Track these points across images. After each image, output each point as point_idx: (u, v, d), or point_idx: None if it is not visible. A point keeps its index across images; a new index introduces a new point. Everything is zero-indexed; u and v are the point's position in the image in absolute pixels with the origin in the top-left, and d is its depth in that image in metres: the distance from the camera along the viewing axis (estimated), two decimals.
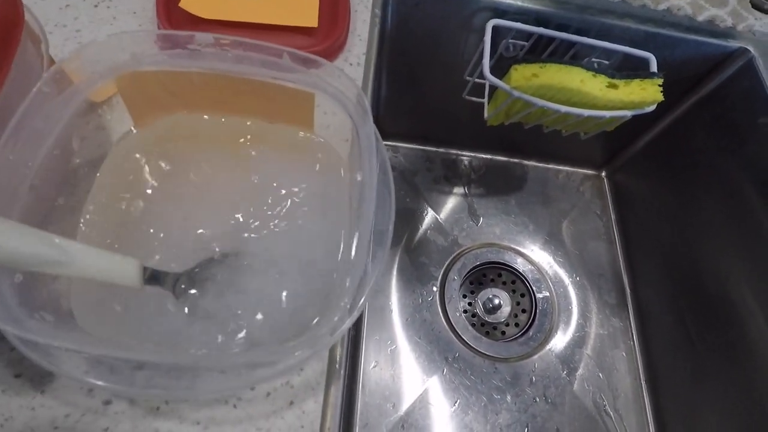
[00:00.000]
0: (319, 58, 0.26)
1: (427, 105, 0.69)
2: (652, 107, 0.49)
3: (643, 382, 0.64)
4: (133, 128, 0.31)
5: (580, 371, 0.64)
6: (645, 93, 0.48)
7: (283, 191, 0.30)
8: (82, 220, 0.27)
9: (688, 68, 0.58)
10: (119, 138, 0.31)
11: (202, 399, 0.27)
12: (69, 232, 0.27)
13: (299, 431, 0.27)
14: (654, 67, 0.51)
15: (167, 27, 0.39)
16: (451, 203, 0.73)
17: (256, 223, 0.29)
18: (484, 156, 0.78)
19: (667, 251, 0.66)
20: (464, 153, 0.77)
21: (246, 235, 0.29)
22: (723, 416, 0.54)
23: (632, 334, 0.68)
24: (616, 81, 0.48)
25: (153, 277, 0.26)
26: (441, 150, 0.77)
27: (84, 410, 0.27)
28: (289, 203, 0.29)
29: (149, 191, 0.29)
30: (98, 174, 0.28)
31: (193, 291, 0.28)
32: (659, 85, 0.48)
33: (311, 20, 0.40)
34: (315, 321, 0.25)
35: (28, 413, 0.27)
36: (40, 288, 0.23)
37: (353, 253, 0.21)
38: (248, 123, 0.30)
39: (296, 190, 0.30)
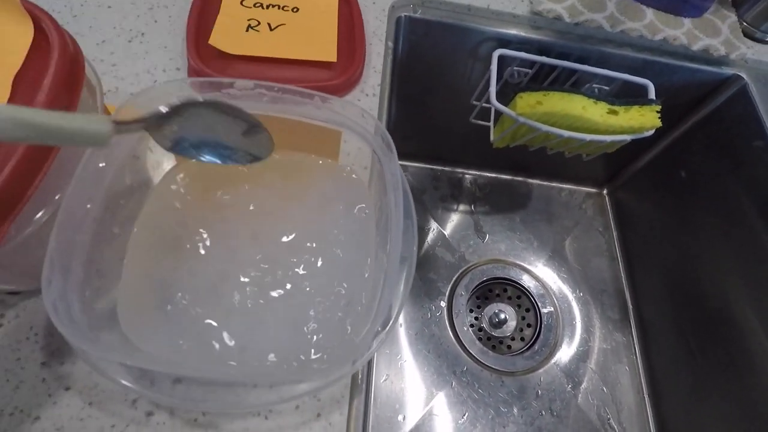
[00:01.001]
0: (344, 100, 0.29)
1: (435, 127, 0.72)
2: (651, 132, 0.51)
3: (646, 396, 0.66)
4: (170, 166, 0.34)
5: (584, 385, 0.65)
6: (644, 119, 0.51)
7: (314, 220, 0.32)
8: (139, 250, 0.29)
9: (684, 93, 0.61)
10: (162, 176, 0.33)
11: (241, 412, 0.29)
12: (122, 254, 0.29)
13: None
14: (652, 94, 0.54)
15: (197, 61, 0.42)
16: (457, 220, 0.75)
17: (286, 252, 0.31)
18: (489, 174, 0.80)
19: (668, 267, 0.68)
20: (470, 172, 0.80)
21: (276, 262, 0.31)
22: (725, 429, 0.56)
23: (635, 348, 0.69)
24: (616, 107, 0.51)
25: (122, 129, 0.23)
26: (448, 169, 0.80)
27: (128, 421, 0.29)
28: (318, 232, 0.32)
29: (189, 221, 0.32)
30: (142, 208, 0.31)
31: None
32: (657, 111, 0.51)
33: (331, 55, 0.43)
34: (339, 345, 0.27)
35: (78, 423, 0.29)
36: (101, 310, 0.26)
37: (382, 281, 0.24)
38: (283, 157, 0.32)
39: (325, 218, 0.32)
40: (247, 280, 0.30)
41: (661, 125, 0.50)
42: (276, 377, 0.25)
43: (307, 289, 0.30)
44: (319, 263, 0.31)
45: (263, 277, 0.30)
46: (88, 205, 0.25)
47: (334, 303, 0.29)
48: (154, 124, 0.24)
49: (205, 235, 0.32)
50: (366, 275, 0.29)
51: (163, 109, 0.24)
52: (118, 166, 0.26)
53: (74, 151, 0.25)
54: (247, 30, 0.44)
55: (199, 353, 0.28)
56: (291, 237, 0.32)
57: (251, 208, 0.33)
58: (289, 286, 0.30)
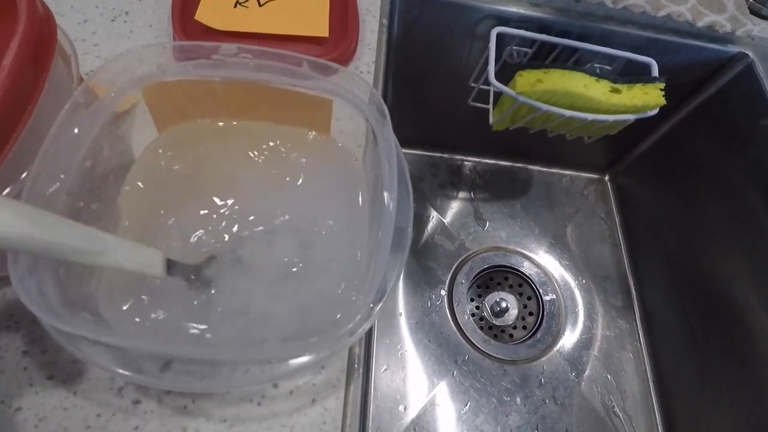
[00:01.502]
0: (337, 65, 0.27)
1: (432, 111, 0.71)
2: (655, 111, 0.50)
3: (651, 383, 0.65)
4: (155, 136, 0.32)
5: (588, 373, 0.64)
6: (647, 97, 0.49)
7: (303, 193, 0.31)
8: (120, 224, 0.28)
9: (689, 73, 0.60)
10: (146, 145, 0.32)
11: (227, 391, 0.27)
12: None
13: (321, 428, 0.28)
14: (656, 73, 0.52)
15: (183, 38, 0.40)
16: (457, 208, 0.74)
17: (276, 225, 0.30)
18: (488, 161, 0.79)
19: (672, 253, 0.67)
20: (469, 158, 0.78)
21: (265, 236, 0.30)
22: (730, 415, 0.55)
23: (639, 335, 0.68)
24: (618, 86, 0.49)
25: (173, 267, 0.27)
26: (446, 156, 0.78)
27: (114, 410, 0.28)
28: (308, 205, 0.30)
29: (175, 193, 0.30)
30: (128, 178, 0.29)
31: (209, 288, 0.29)
32: (661, 89, 0.49)
33: (322, 30, 0.42)
34: (336, 318, 0.26)
35: (61, 413, 0.28)
36: (75, 291, 0.24)
37: (374, 253, 0.22)
38: (269, 128, 0.31)
39: (315, 192, 0.31)
40: (235, 255, 0.29)
41: (665, 103, 0.49)
42: (269, 353, 0.23)
43: (300, 263, 0.29)
44: (312, 237, 0.29)
45: (252, 252, 0.29)
46: (62, 176, 0.23)
47: (329, 276, 0.28)
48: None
49: (191, 211, 0.30)
50: (361, 248, 0.28)
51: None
52: (94, 138, 0.25)
53: (44, 125, 0.23)
54: (235, 6, 0.42)
55: (183, 335, 0.27)
56: (281, 211, 0.30)
57: (239, 182, 0.31)
58: (280, 260, 0.29)
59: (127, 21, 0.44)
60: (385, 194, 0.23)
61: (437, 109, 0.70)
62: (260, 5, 0.42)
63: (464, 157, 0.78)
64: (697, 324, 0.61)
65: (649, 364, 0.66)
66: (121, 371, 0.22)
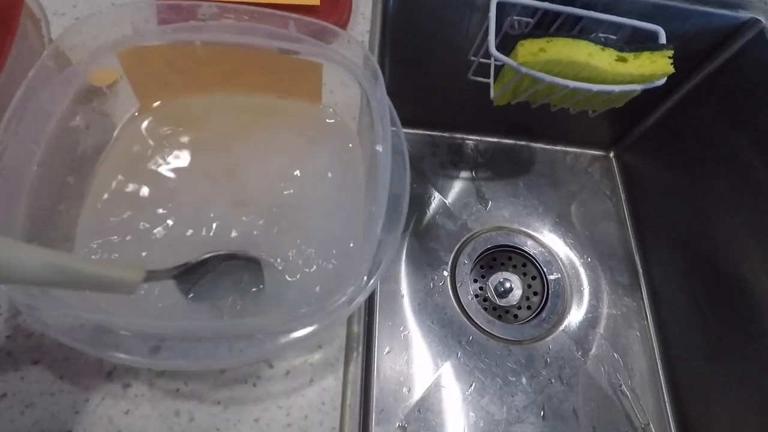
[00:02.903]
0: (327, 24, 0.26)
1: (431, 88, 0.69)
2: (663, 80, 0.48)
3: (659, 361, 0.64)
4: (137, 113, 0.31)
5: (594, 352, 0.63)
6: (655, 66, 0.47)
7: (296, 165, 0.29)
8: (98, 204, 0.26)
9: (697, 41, 0.57)
10: (127, 120, 0.30)
11: (219, 370, 0.26)
12: (75, 211, 0.27)
13: (320, 408, 0.27)
14: (663, 40, 0.50)
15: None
16: (458, 188, 0.72)
17: (271, 201, 0.29)
18: (490, 139, 0.77)
19: (679, 230, 0.65)
20: (470, 137, 0.76)
21: (261, 211, 0.28)
22: (739, 393, 0.54)
23: (646, 313, 0.67)
24: (625, 54, 0.47)
25: (152, 276, 0.25)
26: (446, 134, 0.76)
27: (104, 394, 0.27)
28: (302, 177, 0.29)
29: (158, 174, 0.29)
30: (105, 156, 0.28)
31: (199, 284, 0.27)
32: (669, 57, 0.47)
33: None
34: (331, 290, 0.24)
35: (49, 399, 0.27)
36: None
37: (371, 220, 0.21)
38: (257, 100, 0.29)
39: (309, 163, 0.29)
40: (227, 229, 0.28)
41: (674, 71, 0.47)
42: (265, 326, 0.22)
43: (294, 237, 0.27)
44: (305, 210, 0.28)
45: (244, 226, 0.27)
46: (32, 146, 0.22)
47: (324, 249, 0.27)
48: (182, 274, 0.26)
49: (178, 184, 0.29)
50: (356, 219, 0.26)
51: (192, 261, 0.26)
52: (67, 106, 0.23)
53: (13, 93, 0.22)
54: None
55: (174, 312, 0.26)
56: (272, 184, 0.29)
57: (228, 156, 0.30)
58: (273, 232, 0.27)
59: None
60: (380, 162, 0.21)
61: (436, 86, 0.68)
62: None
63: (465, 136, 0.76)
64: (704, 302, 0.60)
65: (657, 342, 0.65)
66: (110, 353, 0.21)
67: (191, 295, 0.27)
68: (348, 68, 0.26)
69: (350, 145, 0.30)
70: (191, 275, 0.27)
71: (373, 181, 0.22)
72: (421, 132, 0.75)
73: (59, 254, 0.19)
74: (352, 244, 0.26)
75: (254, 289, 0.28)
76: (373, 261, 0.21)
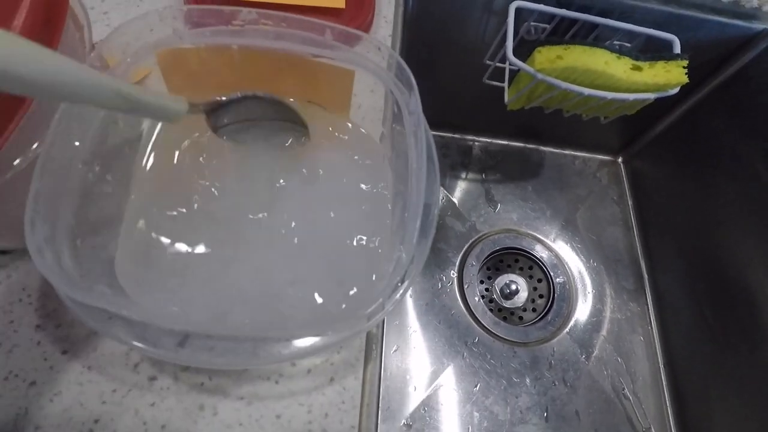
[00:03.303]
0: (361, 33, 0.26)
1: (444, 90, 0.69)
2: (676, 90, 0.49)
3: (662, 366, 0.65)
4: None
5: (598, 355, 0.64)
6: (670, 75, 0.48)
7: (325, 174, 0.30)
8: (133, 196, 0.27)
9: (711, 50, 0.58)
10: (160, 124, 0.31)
11: (244, 369, 0.27)
12: (117, 208, 0.27)
13: (340, 407, 0.28)
14: (677, 50, 0.50)
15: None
16: (468, 189, 0.73)
17: (299, 206, 0.29)
18: (500, 142, 0.77)
19: (686, 237, 0.66)
20: (480, 139, 0.77)
21: (284, 223, 0.29)
22: (741, 400, 0.54)
23: (650, 318, 0.68)
24: (640, 63, 0.48)
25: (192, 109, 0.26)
26: (457, 136, 0.77)
27: (130, 386, 0.27)
28: (331, 185, 0.29)
29: (194, 173, 0.30)
30: (139, 158, 0.29)
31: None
32: (684, 67, 0.48)
33: (338, 1, 0.40)
34: (359, 301, 0.25)
35: (77, 388, 0.27)
36: (92, 262, 0.24)
37: (400, 233, 0.21)
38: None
39: (337, 172, 0.30)
40: (255, 233, 0.28)
41: (687, 81, 0.47)
42: (288, 332, 0.23)
43: (322, 244, 0.28)
44: (332, 217, 0.28)
45: (272, 231, 0.28)
46: (77, 143, 0.22)
47: (352, 258, 0.27)
48: (214, 110, 0.28)
49: (211, 188, 0.29)
50: (385, 228, 0.27)
51: (223, 97, 0.27)
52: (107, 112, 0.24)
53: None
54: None
55: (204, 310, 0.26)
56: (301, 191, 0.29)
57: (258, 163, 0.30)
58: (299, 239, 0.28)
59: None
60: (413, 171, 0.22)
61: (450, 89, 0.69)
62: None
63: (476, 138, 0.77)
64: (709, 308, 0.61)
65: (660, 347, 0.66)
66: (137, 344, 0.22)
67: (224, 136, 0.29)
68: (380, 77, 0.26)
69: (374, 150, 0.31)
70: (223, 113, 0.28)
71: (404, 188, 0.23)
72: (432, 133, 0.75)
73: (126, 84, 0.21)
74: (380, 250, 0.27)
75: (286, 144, 0.29)
76: (406, 271, 0.21)
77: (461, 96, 0.69)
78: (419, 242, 0.22)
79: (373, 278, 0.25)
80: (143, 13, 0.25)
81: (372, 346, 0.30)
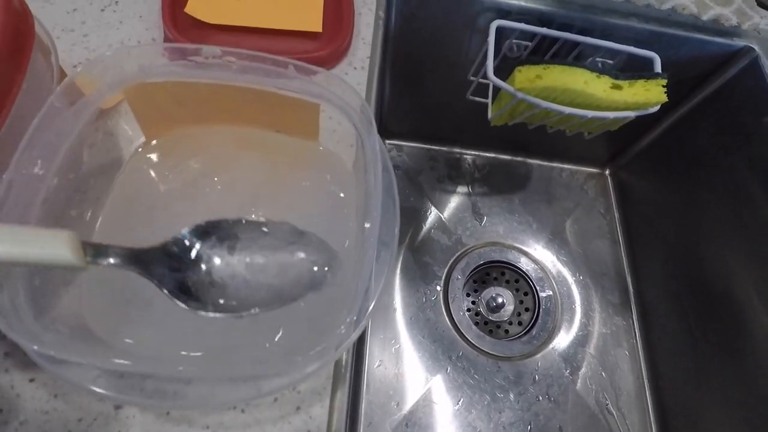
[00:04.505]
0: (322, 69, 0.26)
1: (430, 104, 0.69)
2: (656, 108, 0.49)
3: (646, 381, 0.65)
4: (141, 143, 0.32)
5: (582, 370, 0.64)
6: (649, 94, 0.48)
7: (289, 200, 0.30)
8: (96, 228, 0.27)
9: (692, 67, 0.58)
10: (131, 154, 0.31)
11: (210, 410, 0.27)
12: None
13: None
14: (658, 67, 0.51)
15: (173, 31, 0.39)
16: (454, 202, 0.73)
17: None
18: (487, 155, 0.78)
19: (672, 250, 0.66)
20: (468, 152, 0.77)
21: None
22: (726, 415, 0.55)
23: (635, 333, 0.68)
24: (620, 82, 0.48)
25: (101, 253, 0.22)
26: (444, 149, 0.77)
27: (96, 414, 0.28)
28: (294, 213, 0.30)
29: (162, 202, 0.30)
30: (113, 187, 0.29)
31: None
32: (663, 86, 0.48)
33: (315, 25, 0.40)
34: (317, 336, 0.25)
35: (42, 417, 0.27)
36: (54, 298, 0.24)
37: (360, 266, 0.22)
38: (256, 132, 0.30)
39: (301, 199, 0.30)
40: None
41: (667, 100, 0.48)
42: (250, 371, 0.23)
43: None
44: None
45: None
46: (39, 185, 0.22)
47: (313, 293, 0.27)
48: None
49: (179, 215, 0.30)
50: (348, 261, 0.27)
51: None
52: (75, 138, 0.24)
53: (25, 124, 0.23)
54: None
55: (171, 341, 0.26)
56: (264, 218, 0.30)
57: (227, 187, 0.30)
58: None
59: (116, 11, 0.43)
60: (371, 207, 0.22)
61: (436, 102, 0.69)
62: None
63: (463, 151, 0.77)
64: (694, 322, 0.61)
65: (645, 361, 0.66)
66: (90, 387, 0.22)
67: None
68: (343, 110, 0.26)
69: (344, 179, 0.31)
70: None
71: (364, 225, 0.23)
72: (419, 145, 0.76)
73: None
74: (338, 284, 0.27)
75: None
76: (359, 310, 0.22)
77: (448, 110, 0.70)
78: (375, 280, 0.22)
79: (335, 314, 0.25)
80: (113, 50, 0.25)
81: (341, 372, 0.30)
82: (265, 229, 0.26)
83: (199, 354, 0.27)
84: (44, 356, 0.20)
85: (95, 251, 0.21)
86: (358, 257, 0.22)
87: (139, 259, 0.23)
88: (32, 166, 0.22)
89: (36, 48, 0.25)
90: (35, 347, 0.19)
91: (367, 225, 0.22)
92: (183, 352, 0.27)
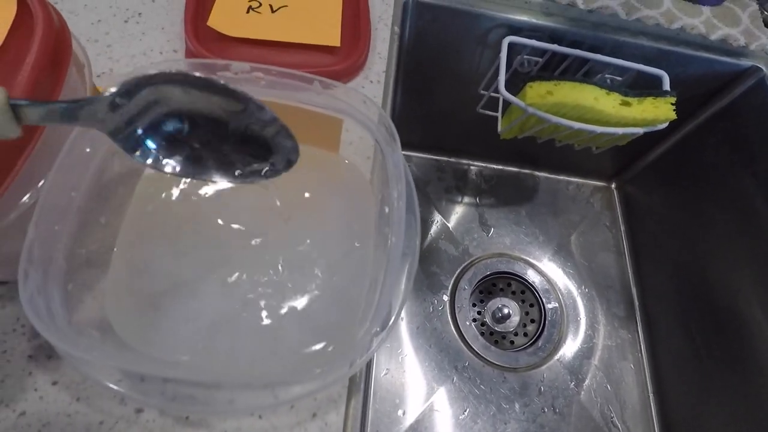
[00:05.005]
0: (347, 86, 0.27)
1: (440, 116, 0.70)
2: (665, 125, 0.50)
3: (651, 394, 0.65)
4: None
5: (588, 382, 0.64)
6: (658, 111, 0.49)
7: (311, 213, 0.31)
8: (122, 232, 0.28)
9: (700, 85, 0.59)
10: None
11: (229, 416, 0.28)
12: (108, 247, 0.28)
13: None
14: (667, 85, 0.52)
15: (195, 43, 0.40)
16: (461, 213, 0.74)
17: (283, 243, 0.30)
18: (495, 166, 0.78)
19: (677, 264, 0.66)
20: (475, 163, 0.78)
21: (271, 255, 0.30)
22: (730, 429, 0.55)
23: (640, 346, 0.68)
24: (629, 99, 0.49)
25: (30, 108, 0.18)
26: (453, 160, 0.78)
27: (117, 418, 0.28)
28: (314, 224, 0.30)
29: (183, 210, 0.31)
30: (135, 193, 0.30)
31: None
32: (672, 104, 0.49)
33: (334, 40, 0.41)
34: (338, 346, 0.26)
35: (65, 419, 0.28)
36: (84, 303, 0.25)
37: (380, 280, 0.22)
38: None
39: (322, 210, 0.31)
40: (242, 273, 0.29)
41: (675, 118, 0.49)
42: (269, 379, 0.23)
43: (304, 285, 0.29)
44: (316, 258, 0.29)
45: (257, 271, 0.29)
46: (73, 194, 0.23)
47: (332, 301, 0.28)
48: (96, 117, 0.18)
49: (200, 225, 0.30)
50: (365, 272, 0.28)
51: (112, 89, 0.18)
52: (106, 151, 0.25)
53: (60, 133, 0.24)
54: (247, 11, 0.42)
55: (192, 349, 0.27)
56: (286, 229, 0.30)
57: (247, 198, 0.31)
58: (284, 281, 0.29)
59: (139, 22, 0.44)
60: (394, 220, 0.23)
61: (446, 114, 0.70)
62: (273, 11, 0.42)
63: (471, 162, 0.78)
64: (699, 336, 0.61)
65: (650, 375, 0.66)
66: (115, 388, 0.22)
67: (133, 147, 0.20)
68: (365, 125, 0.27)
69: (363, 191, 0.32)
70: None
71: (384, 234, 0.24)
72: (428, 156, 0.77)
73: None
74: (357, 293, 0.27)
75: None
76: (381, 323, 0.22)
77: (457, 122, 0.71)
78: (397, 291, 0.23)
79: (353, 324, 0.26)
80: (141, 66, 0.26)
81: (356, 381, 0.31)
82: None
83: (219, 360, 0.27)
84: (77, 359, 0.21)
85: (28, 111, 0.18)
86: (379, 270, 0.23)
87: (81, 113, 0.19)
88: (70, 175, 0.23)
89: (71, 63, 0.26)
90: (72, 351, 0.20)
91: (392, 239, 0.23)
92: (203, 359, 0.27)
